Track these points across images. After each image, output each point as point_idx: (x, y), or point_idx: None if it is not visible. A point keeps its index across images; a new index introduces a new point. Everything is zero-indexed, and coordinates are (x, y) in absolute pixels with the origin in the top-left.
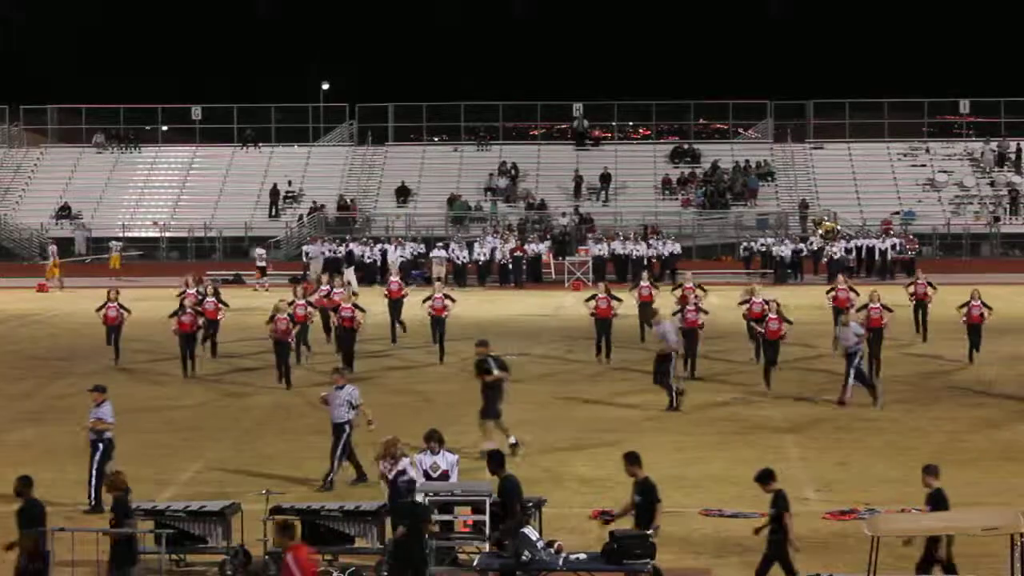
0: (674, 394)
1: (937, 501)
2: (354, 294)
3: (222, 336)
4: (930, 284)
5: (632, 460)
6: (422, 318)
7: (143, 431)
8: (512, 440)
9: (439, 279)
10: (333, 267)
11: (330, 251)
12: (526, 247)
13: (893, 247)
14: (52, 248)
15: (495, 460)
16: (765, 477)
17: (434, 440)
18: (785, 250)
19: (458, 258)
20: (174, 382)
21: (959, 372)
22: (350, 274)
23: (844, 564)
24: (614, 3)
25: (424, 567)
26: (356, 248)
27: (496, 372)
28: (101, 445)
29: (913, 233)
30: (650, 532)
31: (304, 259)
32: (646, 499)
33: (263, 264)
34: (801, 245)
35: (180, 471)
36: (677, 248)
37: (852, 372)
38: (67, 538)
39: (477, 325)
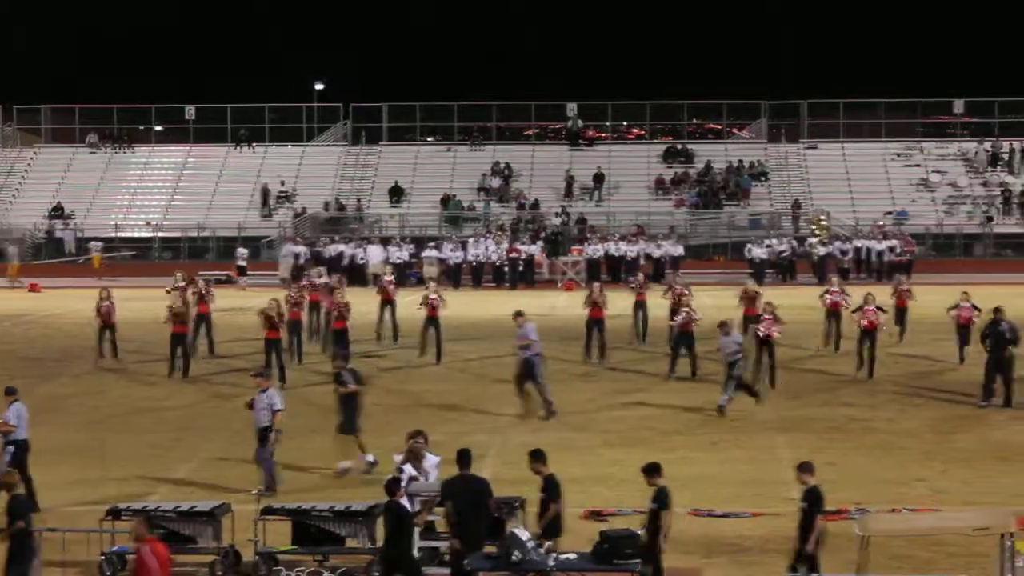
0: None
1: (813, 499)
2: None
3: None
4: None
5: (536, 457)
6: (414, 318)
7: (135, 431)
8: (370, 458)
9: (432, 279)
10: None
11: (307, 252)
12: (520, 247)
13: (892, 249)
14: (12, 249)
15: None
16: (652, 470)
17: (419, 440)
18: (762, 251)
19: (451, 259)
20: (165, 382)
21: (950, 372)
22: (320, 271)
23: (834, 564)
24: (608, 3)
25: (413, 566)
26: (347, 249)
27: (351, 386)
28: (11, 448)
29: (905, 234)
30: (539, 533)
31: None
32: (547, 496)
33: (243, 263)
34: (794, 244)
35: (171, 471)
36: (680, 250)
37: (734, 381)
38: (56, 538)
39: (472, 325)
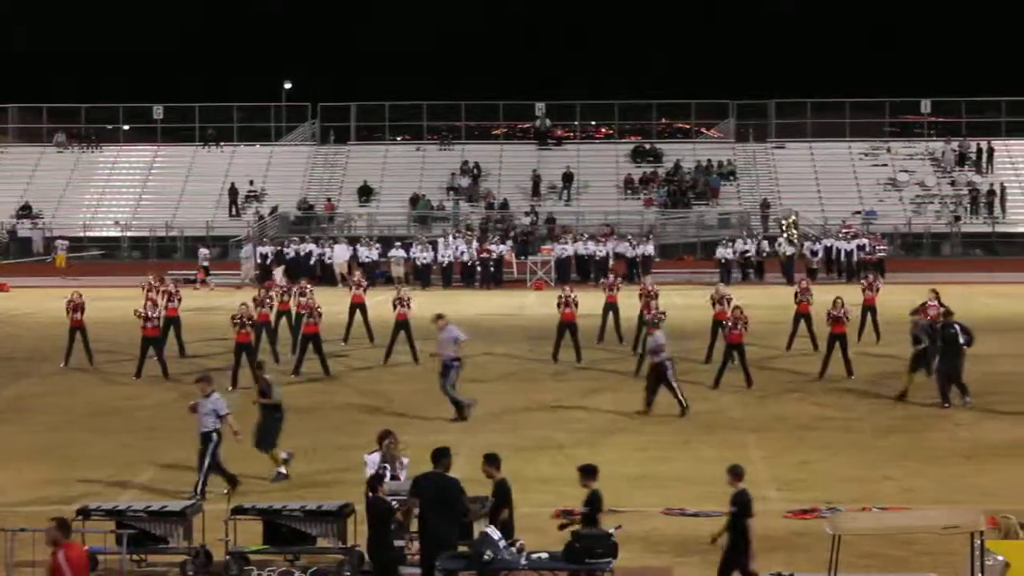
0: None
1: (742, 503)
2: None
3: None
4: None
5: (489, 461)
6: (385, 318)
7: (104, 431)
8: (281, 470)
9: (399, 279)
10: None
11: (272, 252)
12: (490, 248)
13: (861, 248)
14: None
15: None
16: (589, 472)
17: (388, 440)
18: (727, 252)
19: (419, 259)
20: (135, 382)
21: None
22: (279, 275)
23: (805, 562)
24: (575, 2)
25: (392, 564)
26: (315, 248)
27: (274, 398)
28: None
29: (874, 232)
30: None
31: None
32: (498, 501)
33: (206, 264)
34: (763, 244)
35: (141, 471)
36: (650, 249)
37: (672, 385)
38: (27, 538)
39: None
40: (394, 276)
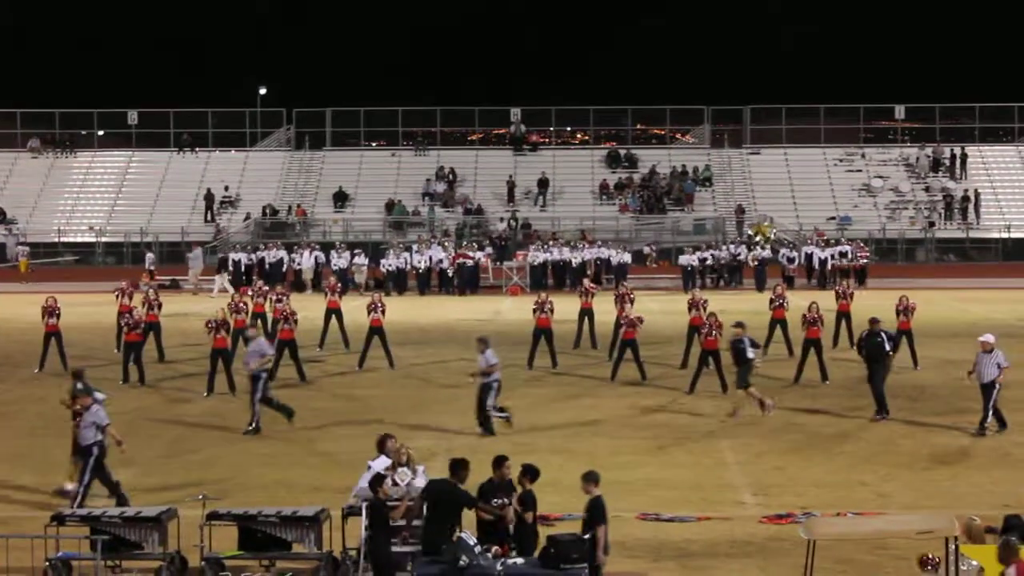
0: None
1: (595, 510)
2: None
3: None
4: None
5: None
6: (359, 323)
7: None
8: (68, 487)
9: (363, 286)
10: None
11: (245, 258)
12: (469, 254)
13: (844, 255)
14: None
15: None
16: (530, 472)
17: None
18: (691, 258)
19: (390, 264)
20: (110, 387)
21: (892, 376)
22: (223, 280)
23: (781, 568)
24: (550, 9)
25: (390, 566)
26: (285, 255)
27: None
28: None
29: (855, 239)
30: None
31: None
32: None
33: (152, 268)
34: (737, 250)
35: (116, 476)
36: (627, 257)
37: (488, 404)
38: (1, 544)
39: (419, 330)
40: (358, 283)
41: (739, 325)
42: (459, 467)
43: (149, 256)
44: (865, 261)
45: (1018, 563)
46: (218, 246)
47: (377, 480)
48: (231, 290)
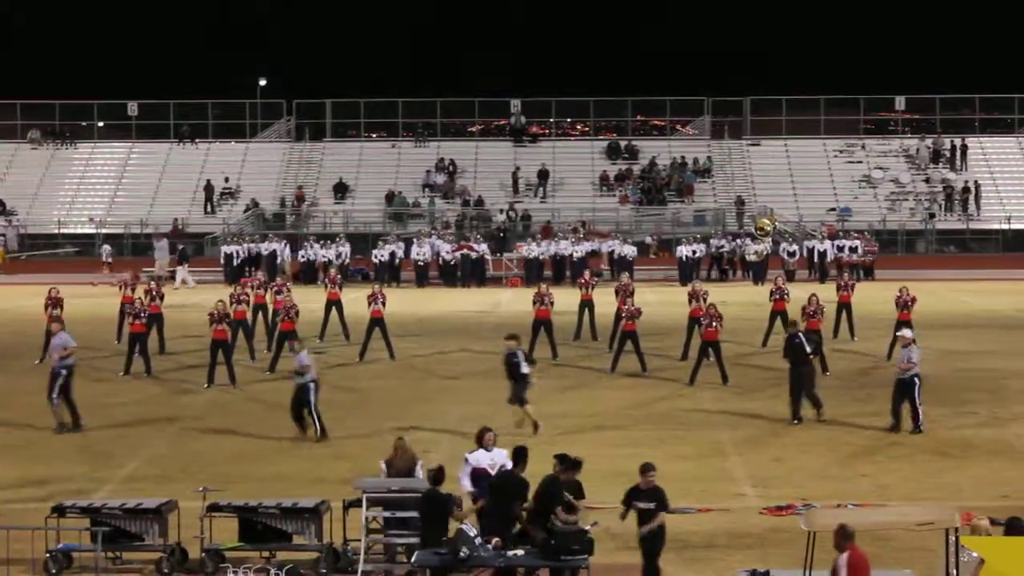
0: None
1: (662, 496)
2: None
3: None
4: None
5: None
6: (360, 315)
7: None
8: None
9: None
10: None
11: (236, 251)
12: (473, 246)
13: (853, 249)
14: None
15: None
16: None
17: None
18: (687, 250)
19: (383, 255)
20: (111, 379)
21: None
22: (183, 272)
23: (781, 559)
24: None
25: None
26: (278, 247)
27: None
28: None
29: (851, 230)
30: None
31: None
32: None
33: (109, 260)
34: (736, 242)
35: (117, 468)
36: (632, 251)
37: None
38: (1, 536)
39: (419, 321)
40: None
41: (512, 337)
42: (521, 456)
43: (106, 248)
44: (872, 257)
45: (852, 549)
46: (219, 238)
47: (440, 473)
48: (191, 283)
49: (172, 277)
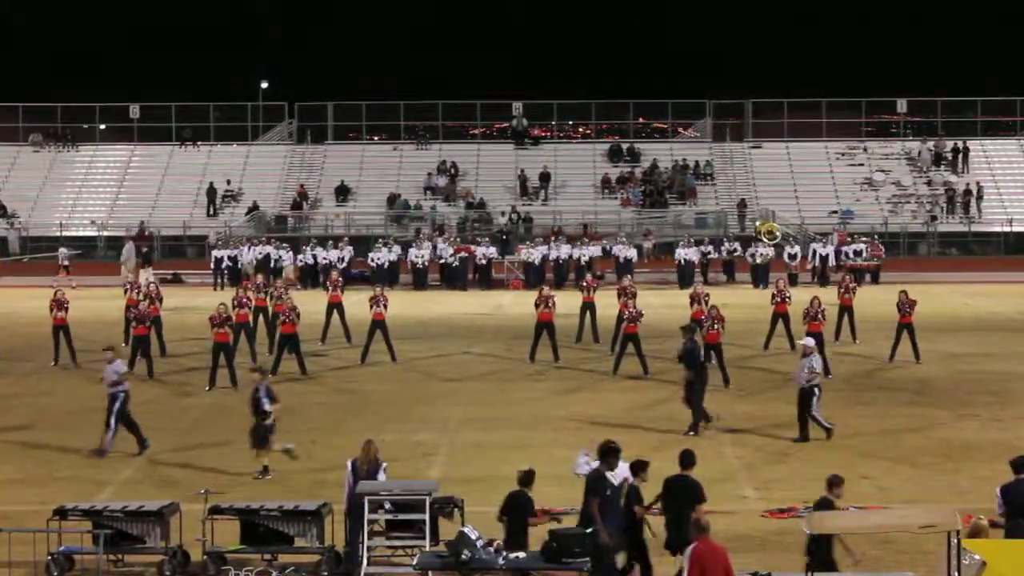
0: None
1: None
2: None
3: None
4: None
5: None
6: (362, 317)
7: (82, 430)
8: None
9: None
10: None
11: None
12: (477, 250)
13: (859, 253)
14: None
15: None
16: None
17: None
18: (689, 253)
19: (380, 258)
20: None
21: (895, 370)
22: (148, 273)
23: (783, 562)
24: (552, 2)
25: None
26: (272, 250)
27: None
28: None
29: (858, 234)
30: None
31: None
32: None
33: (67, 263)
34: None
35: (118, 470)
36: (633, 253)
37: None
38: (3, 538)
39: (421, 324)
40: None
41: (259, 371)
42: (688, 458)
43: (62, 251)
44: (879, 261)
45: (700, 541)
46: (220, 241)
47: (530, 476)
48: (156, 287)
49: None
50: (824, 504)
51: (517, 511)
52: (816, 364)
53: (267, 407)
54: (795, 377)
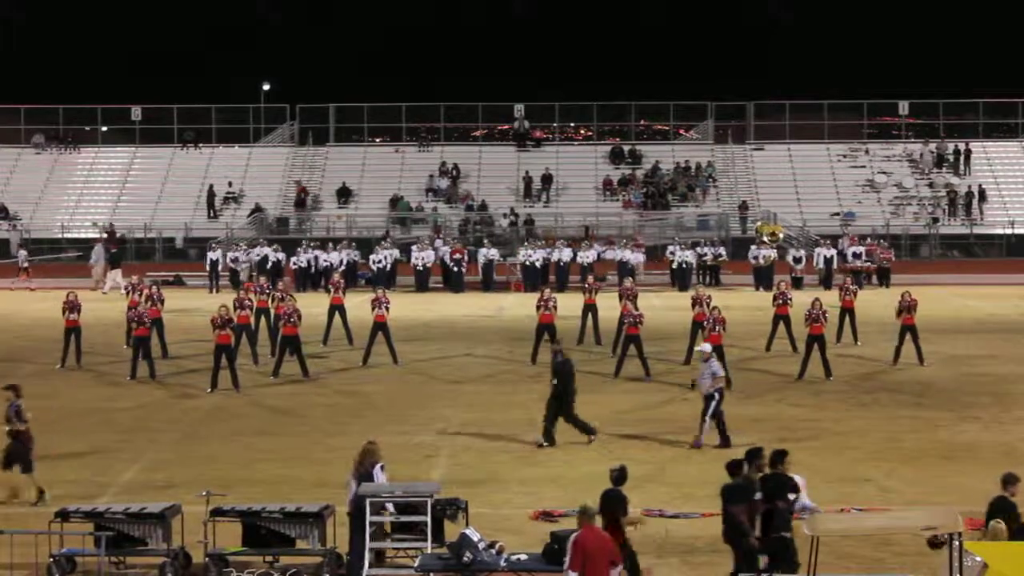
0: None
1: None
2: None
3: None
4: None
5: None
6: (364, 319)
7: (84, 432)
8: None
9: (252, 282)
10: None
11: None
12: (479, 252)
13: (857, 255)
14: None
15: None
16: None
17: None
18: (687, 255)
19: (380, 261)
20: (115, 383)
21: (896, 372)
22: (116, 275)
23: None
24: (554, 5)
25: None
26: (270, 252)
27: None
28: None
29: (865, 235)
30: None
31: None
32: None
33: (26, 265)
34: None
35: (120, 472)
36: (640, 257)
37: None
38: (4, 540)
39: (423, 326)
40: (242, 279)
41: (9, 388)
42: (756, 455)
43: (22, 253)
44: (888, 263)
45: (584, 528)
46: (222, 243)
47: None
48: (123, 289)
49: (104, 282)
50: (1001, 504)
51: (606, 509)
52: (718, 370)
53: (21, 426)
54: (698, 383)
